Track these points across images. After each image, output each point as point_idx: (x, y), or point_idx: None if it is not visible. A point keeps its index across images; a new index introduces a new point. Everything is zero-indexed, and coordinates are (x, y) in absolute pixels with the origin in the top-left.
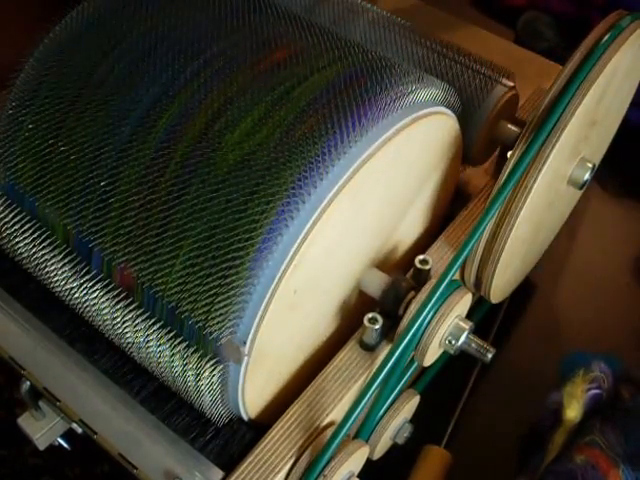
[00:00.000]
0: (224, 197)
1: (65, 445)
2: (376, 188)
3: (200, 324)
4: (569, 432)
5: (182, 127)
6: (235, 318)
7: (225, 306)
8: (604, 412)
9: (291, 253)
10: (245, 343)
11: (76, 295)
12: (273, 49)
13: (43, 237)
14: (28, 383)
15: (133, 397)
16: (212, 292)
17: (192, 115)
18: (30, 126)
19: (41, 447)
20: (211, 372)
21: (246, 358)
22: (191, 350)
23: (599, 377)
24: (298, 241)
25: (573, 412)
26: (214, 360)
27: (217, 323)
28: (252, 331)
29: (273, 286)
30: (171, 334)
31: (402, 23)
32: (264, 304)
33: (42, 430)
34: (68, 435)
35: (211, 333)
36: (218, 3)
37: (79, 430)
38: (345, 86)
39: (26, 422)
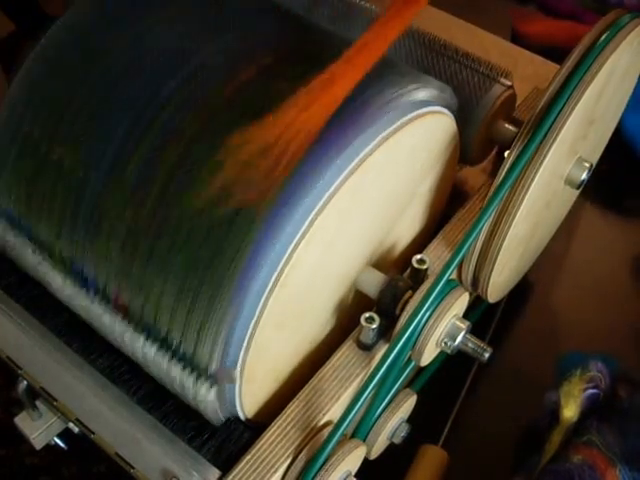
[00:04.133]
0: (205, 228)
1: (62, 444)
2: (373, 187)
3: (190, 352)
4: (566, 432)
5: (155, 163)
6: (224, 344)
7: (212, 334)
8: (601, 412)
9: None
10: (236, 366)
11: (78, 309)
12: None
13: (43, 260)
14: (25, 382)
15: (130, 397)
16: (199, 320)
17: (165, 147)
18: (17, 154)
19: (38, 446)
20: (207, 390)
21: (239, 379)
22: (187, 372)
23: (596, 377)
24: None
25: (570, 412)
26: (209, 380)
27: (206, 352)
28: (241, 354)
29: (260, 307)
30: (167, 355)
31: None
32: (251, 327)
33: (39, 429)
34: (65, 434)
35: (201, 361)
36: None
37: (76, 429)
38: None
39: (23, 421)
